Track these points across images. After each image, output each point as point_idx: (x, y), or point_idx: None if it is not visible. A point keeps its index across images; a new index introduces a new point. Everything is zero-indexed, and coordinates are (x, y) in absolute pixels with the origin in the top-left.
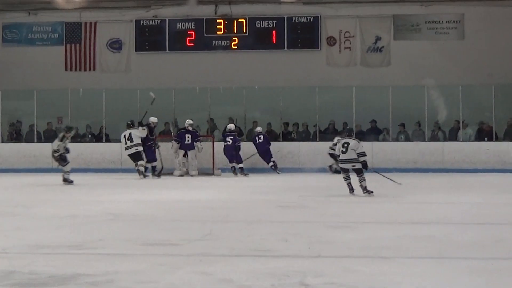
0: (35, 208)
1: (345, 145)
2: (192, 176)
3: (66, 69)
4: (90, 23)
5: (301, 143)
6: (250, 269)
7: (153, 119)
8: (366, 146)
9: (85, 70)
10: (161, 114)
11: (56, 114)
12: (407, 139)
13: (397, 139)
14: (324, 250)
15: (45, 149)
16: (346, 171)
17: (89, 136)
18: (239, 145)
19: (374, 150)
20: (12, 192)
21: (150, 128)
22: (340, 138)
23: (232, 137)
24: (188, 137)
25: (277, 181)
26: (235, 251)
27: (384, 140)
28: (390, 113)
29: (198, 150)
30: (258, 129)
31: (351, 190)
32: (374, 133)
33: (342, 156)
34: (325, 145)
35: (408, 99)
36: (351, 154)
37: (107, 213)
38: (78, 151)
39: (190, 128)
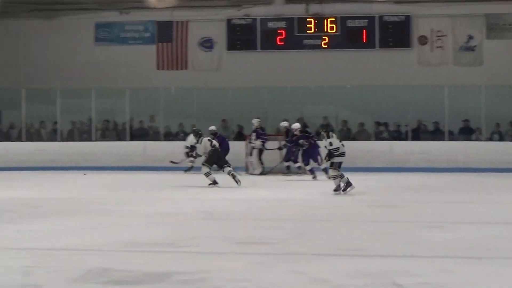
0: (129, 206)
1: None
2: (255, 175)
3: (158, 68)
4: (182, 22)
5: (393, 142)
6: (343, 268)
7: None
8: (458, 146)
9: (176, 69)
10: (252, 113)
11: (148, 112)
12: (501, 138)
13: (490, 139)
14: (417, 250)
15: (138, 147)
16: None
17: (181, 134)
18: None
19: (466, 150)
20: (106, 190)
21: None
22: None
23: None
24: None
25: (368, 181)
26: (328, 250)
27: (476, 140)
28: (482, 112)
29: (256, 147)
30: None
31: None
32: (466, 133)
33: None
34: (417, 145)
35: (501, 98)
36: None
37: (201, 211)
38: (169, 149)
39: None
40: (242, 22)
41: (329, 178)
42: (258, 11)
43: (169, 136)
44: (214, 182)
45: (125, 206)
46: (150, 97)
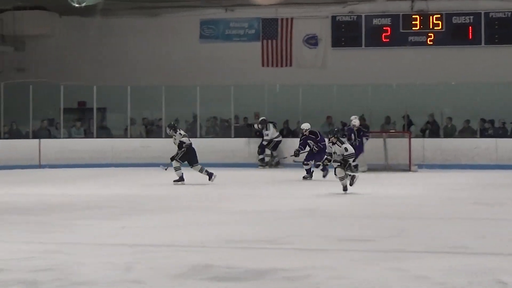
0: (230, 203)
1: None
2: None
3: (262, 65)
4: (287, 19)
5: (498, 139)
6: (446, 266)
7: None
8: None
9: (281, 66)
10: (357, 110)
11: (252, 109)
12: None
13: None
14: None
15: (240, 143)
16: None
17: (285, 132)
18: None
19: None
20: (209, 187)
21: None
22: None
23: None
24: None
25: (472, 178)
26: (430, 248)
27: None
28: None
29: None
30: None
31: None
32: None
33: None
34: None
35: None
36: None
37: (302, 208)
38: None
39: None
40: (347, 19)
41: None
42: (363, 8)
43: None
44: (181, 179)
45: (226, 203)
46: (254, 94)
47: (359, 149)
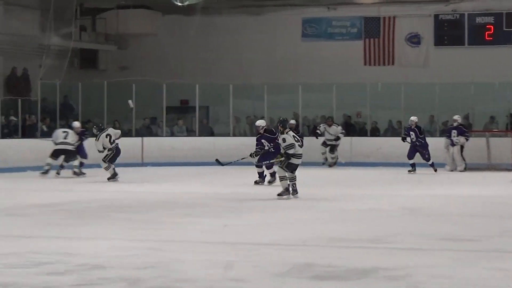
0: (331, 202)
1: (301, 141)
2: (458, 171)
3: (364, 64)
4: (389, 17)
5: None
6: None
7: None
8: None
9: (383, 64)
10: (460, 109)
11: (353, 108)
12: None
13: None
14: None
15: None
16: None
17: (390, 130)
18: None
19: None
20: (306, 186)
21: None
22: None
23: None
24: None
25: None
26: None
27: None
28: None
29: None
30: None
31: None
32: None
33: (300, 150)
34: None
35: None
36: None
37: (404, 207)
38: (375, 145)
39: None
40: (450, 17)
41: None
42: (466, 6)
43: (375, 132)
44: (114, 175)
45: (327, 202)
46: (356, 92)
47: (423, 147)
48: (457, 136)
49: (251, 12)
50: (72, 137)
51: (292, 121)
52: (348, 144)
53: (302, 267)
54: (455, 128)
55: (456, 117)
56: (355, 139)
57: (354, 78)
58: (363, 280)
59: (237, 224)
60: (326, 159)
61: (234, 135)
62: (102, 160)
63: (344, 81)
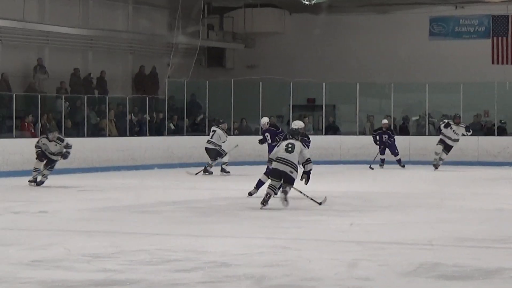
0: (453, 201)
1: (290, 145)
2: None
3: (492, 62)
4: None
5: None
6: None
7: None
8: None
9: (511, 63)
10: None
11: (481, 107)
12: None
13: None
14: None
15: (472, 142)
16: (277, 174)
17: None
18: None
19: None
20: (427, 184)
21: None
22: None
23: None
24: None
25: None
26: None
27: None
28: None
29: None
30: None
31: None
32: None
33: (285, 155)
34: None
35: None
36: (294, 158)
37: None
38: (504, 144)
39: None
40: None
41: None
42: None
43: (504, 131)
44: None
45: (450, 201)
46: (484, 91)
47: None
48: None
49: (378, 11)
50: (217, 137)
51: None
52: (475, 144)
53: (429, 266)
54: None
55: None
56: (482, 138)
57: (482, 77)
58: (488, 280)
59: (363, 223)
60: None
61: (359, 134)
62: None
63: (471, 80)
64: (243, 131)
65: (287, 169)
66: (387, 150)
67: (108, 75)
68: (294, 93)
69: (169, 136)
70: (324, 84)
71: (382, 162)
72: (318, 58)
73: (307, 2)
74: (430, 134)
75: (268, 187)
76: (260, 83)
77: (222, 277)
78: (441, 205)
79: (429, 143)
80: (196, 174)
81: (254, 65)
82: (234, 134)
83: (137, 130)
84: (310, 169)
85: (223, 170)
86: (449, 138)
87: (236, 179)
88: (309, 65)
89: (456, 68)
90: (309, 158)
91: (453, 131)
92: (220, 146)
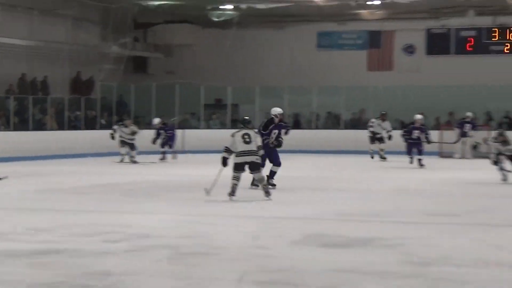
0: (342, 183)
1: (246, 136)
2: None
3: (368, 70)
4: (389, 31)
5: None
6: None
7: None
8: None
9: (384, 70)
10: (446, 108)
11: (359, 107)
12: None
13: None
14: None
15: (350, 135)
16: (242, 167)
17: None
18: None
19: None
20: (320, 170)
21: None
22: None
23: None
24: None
25: None
26: (507, 222)
27: None
28: None
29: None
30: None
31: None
32: None
33: (246, 147)
34: None
35: None
36: (254, 146)
37: (399, 188)
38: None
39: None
40: (439, 31)
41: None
42: (453, 22)
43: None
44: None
45: (340, 183)
46: (361, 93)
47: (422, 143)
48: (471, 129)
49: (276, 26)
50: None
51: (278, 109)
52: (353, 136)
53: (316, 237)
54: (468, 122)
55: (468, 113)
56: (359, 132)
57: (360, 81)
58: (364, 248)
59: (261, 201)
60: (380, 151)
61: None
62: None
63: (351, 84)
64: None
65: (253, 158)
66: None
67: (50, 79)
68: (204, 94)
69: (101, 130)
70: (229, 87)
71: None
72: (225, 65)
73: (216, 19)
74: (317, 128)
75: (232, 179)
76: (177, 86)
77: (144, 247)
78: (329, 187)
79: (316, 136)
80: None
81: (172, 71)
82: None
83: (74, 125)
84: (263, 154)
85: (132, 159)
86: (379, 133)
87: (158, 166)
88: (217, 71)
89: (338, 74)
90: (260, 145)
91: (382, 127)
92: (134, 138)
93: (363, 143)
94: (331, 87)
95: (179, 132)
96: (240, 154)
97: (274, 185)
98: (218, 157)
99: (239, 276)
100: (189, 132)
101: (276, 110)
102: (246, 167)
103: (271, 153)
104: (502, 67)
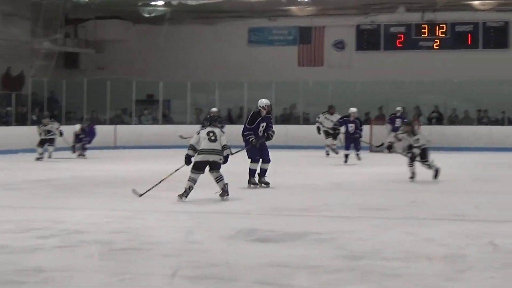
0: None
1: (211, 134)
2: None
3: (299, 65)
4: (319, 27)
5: (492, 126)
6: (448, 230)
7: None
8: None
9: (314, 65)
10: (376, 103)
11: (290, 101)
12: None
13: None
14: (511, 216)
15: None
16: (202, 167)
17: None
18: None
19: None
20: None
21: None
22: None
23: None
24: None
25: (471, 159)
26: (436, 216)
27: None
28: None
29: None
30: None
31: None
32: None
33: (210, 145)
34: None
35: None
36: (219, 145)
37: (331, 183)
38: (307, 132)
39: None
40: (369, 27)
41: None
42: (383, 18)
43: (307, 121)
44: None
45: (272, 178)
46: (292, 89)
47: (359, 138)
48: (401, 124)
49: (208, 22)
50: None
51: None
52: (284, 131)
53: (247, 231)
54: (398, 117)
55: (398, 108)
56: (290, 127)
57: (290, 77)
58: (296, 242)
59: (195, 197)
60: (333, 146)
61: (191, 124)
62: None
63: (282, 80)
64: (94, 121)
65: (216, 158)
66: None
67: None
68: (136, 90)
69: (32, 125)
70: (161, 82)
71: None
72: (157, 61)
73: (146, 15)
74: None
75: (188, 180)
76: (108, 82)
77: (75, 242)
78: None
79: None
80: None
81: (103, 67)
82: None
83: (5, 120)
84: (227, 154)
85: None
86: (329, 127)
87: (90, 162)
88: (149, 66)
89: (269, 69)
90: (225, 144)
91: (331, 120)
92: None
93: (293, 138)
94: (262, 83)
95: (110, 128)
96: (202, 152)
97: (267, 183)
98: (150, 152)
99: (172, 272)
100: (120, 128)
101: (263, 102)
102: (207, 168)
103: (263, 148)
104: (431, 63)
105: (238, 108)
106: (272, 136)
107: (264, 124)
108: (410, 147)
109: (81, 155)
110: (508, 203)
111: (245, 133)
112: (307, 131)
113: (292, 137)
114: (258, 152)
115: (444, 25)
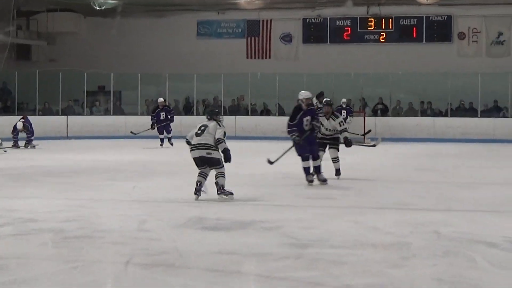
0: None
1: (202, 127)
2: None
3: (247, 57)
4: (267, 20)
5: (435, 118)
6: (393, 219)
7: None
8: (489, 121)
9: (262, 58)
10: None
11: (238, 93)
12: None
13: None
14: (454, 205)
15: (230, 121)
16: (197, 163)
17: (264, 112)
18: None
19: (495, 125)
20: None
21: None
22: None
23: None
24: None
25: (414, 149)
26: (380, 204)
27: (503, 116)
28: (509, 94)
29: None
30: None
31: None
32: (495, 111)
33: (196, 140)
34: (456, 120)
35: None
36: (207, 139)
37: (279, 172)
38: (255, 122)
39: (344, 105)
40: (315, 20)
41: None
42: (329, 12)
43: (255, 112)
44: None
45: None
46: (240, 80)
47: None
48: (346, 115)
49: (158, 15)
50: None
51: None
52: (233, 122)
53: (196, 220)
54: (344, 108)
55: (343, 100)
56: (239, 118)
57: (239, 69)
58: (244, 231)
59: (146, 186)
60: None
61: (142, 115)
62: None
63: (230, 72)
64: (46, 112)
65: (202, 152)
66: None
67: None
68: (87, 81)
69: None
70: (112, 74)
71: None
72: (109, 53)
73: (98, 8)
74: (198, 114)
75: (198, 175)
76: (60, 73)
77: (29, 230)
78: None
79: (195, 123)
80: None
81: (55, 59)
82: (38, 115)
83: None
84: (225, 149)
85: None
86: None
87: (42, 152)
88: (100, 58)
89: (218, 61)
90: (219, 138)
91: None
92: None
93: (242, 129)
94: (211, 75)
95: (62, 119)
96: (191, 148)
97: (325, 180)
98: (102, 143)
99: (125, 259)
100: (72, 119)
101: (302, 94)
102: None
103: (312, 144)
104: (377, 55)
105: (185, 99)
106: (317, 127)
107: (309, 117)
108: (322, 136)
109: (30, 147)
110: (450, 192)
111: (288, 130)
112: (255, 122)
113: (240, 128)
114: (307, 148)
115: (390, 19)
